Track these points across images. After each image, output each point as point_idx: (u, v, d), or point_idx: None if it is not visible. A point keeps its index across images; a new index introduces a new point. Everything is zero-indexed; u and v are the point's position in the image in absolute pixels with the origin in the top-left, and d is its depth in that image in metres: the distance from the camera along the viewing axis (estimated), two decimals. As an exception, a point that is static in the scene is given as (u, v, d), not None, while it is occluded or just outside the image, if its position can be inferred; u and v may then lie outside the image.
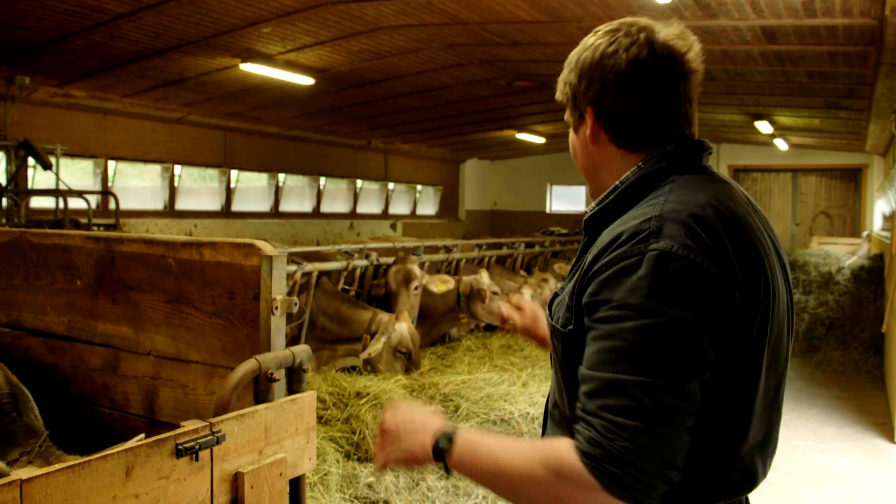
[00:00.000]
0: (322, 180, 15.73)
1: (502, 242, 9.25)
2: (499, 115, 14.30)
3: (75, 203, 8.98)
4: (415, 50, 9.34)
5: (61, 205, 8.57)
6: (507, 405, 4.75)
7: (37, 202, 9.77)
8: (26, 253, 2.62)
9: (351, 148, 16.11)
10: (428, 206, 19.64)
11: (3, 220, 8.22)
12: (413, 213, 18.91)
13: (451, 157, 19.60)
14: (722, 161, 17.73)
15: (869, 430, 6.36)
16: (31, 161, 9.06)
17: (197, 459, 1.62)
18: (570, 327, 1.38)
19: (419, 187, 19.00)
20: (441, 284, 6.28)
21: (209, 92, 10.90)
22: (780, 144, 15.98)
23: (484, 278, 6.83)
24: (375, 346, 5.30)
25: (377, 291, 6.24)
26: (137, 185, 12.26)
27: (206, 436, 1.64)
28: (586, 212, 1.53)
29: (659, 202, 1.34)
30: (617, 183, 1.46)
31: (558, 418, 1.55)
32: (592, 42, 1.48)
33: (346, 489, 3.54)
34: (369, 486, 3.61)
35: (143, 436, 1.83)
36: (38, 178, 9.58)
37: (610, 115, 1.46)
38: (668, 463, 1.21)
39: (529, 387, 5.27)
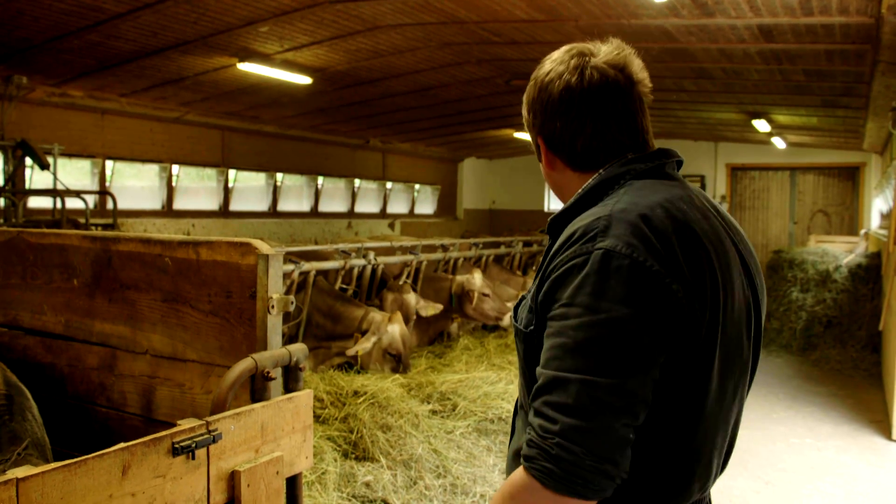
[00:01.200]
0: (320, 179, 15.73)
1: (500, 241, 9.25)
2: (496, 114, 14.30)
3: (73, 203, 8.98)
4: (412, 49, 9.34)
5: (59, 205, 8.57)
6: (505, 403, 4.76)
7: (34, 202, 9.76)
8: (23, 252, 2.62)
9: (349, 147, 16.11)
10: (426, 205, 19.64)
11: (1, 221, 8.22)
12: (411, 213, 18.91)
13: (448, 156, 19.60)
14: (720, 160, 17.74)
15: (866, 427, 6.37)
16: (28, 161, 9.06)
17: (193, 458, 1.62)
18: (532, 328, 1.41)
19: (417, 186, 19.00)
20: (431, 310, 6.35)
21: (207, 91, 10.89)
22: (778, 143, 15.99)
23: (476, 279, 6.82)
24: (364, 345, 5.28)
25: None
26: (135, 185, 12.25)
27: (202, 434, 1.64)
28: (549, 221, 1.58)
29: (611, 203, 1.40)
30: (580, 190, 1.51)
31: (522, 421, 1.57)
32: (536, 75, 1.56)
33: (344, 488, 3.55)
34: (367, 484, 3.61)
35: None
36: (35, 178, 9.58)
37: (555, 141, 1.54)
38: (603, 457, 1.23)
39: (527, 385, 5.27)
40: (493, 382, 5.09)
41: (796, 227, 17.62)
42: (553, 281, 1.33)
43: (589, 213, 1.40)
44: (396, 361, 5.42)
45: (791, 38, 7.68)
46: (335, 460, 3.69)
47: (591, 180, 1.50)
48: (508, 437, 1.74)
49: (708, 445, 1.40)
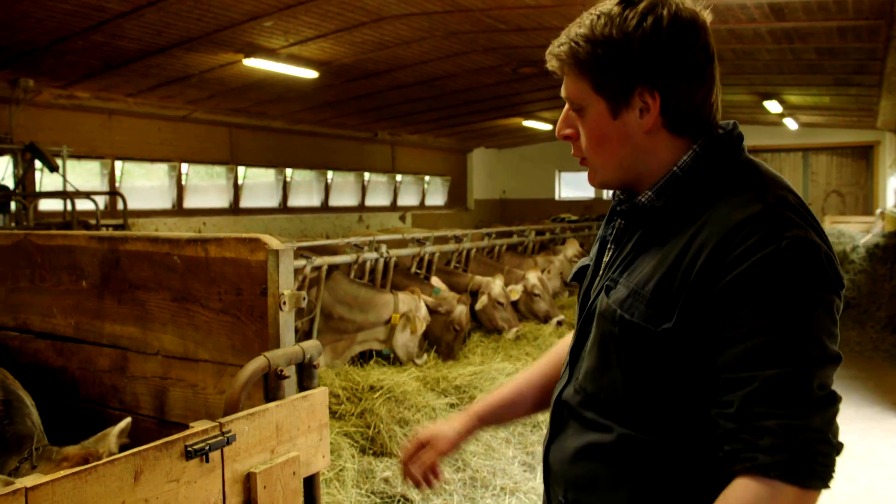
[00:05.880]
0: (329, 174, 15.70)
1: (512, 230, 9.18)
2: (505, 102, 14.20)
3: (83, 205, 8.98)
4: (418, 39, 9.26)
5: (69, 207, 8.56)
6: (522, 395, 4.70)
7: (45, 205, 9.77)
8: (31, 255, 2.59)
9: (357, 140, 16.06)
10: (436, 196, 19.58)
11: (13, 224, 8.23)
12: (422, 205, 18.86)
13: (457, 146, 19.52)
14: (731, 142, 17.57)
15: (889, 409, 6.28)
16: (38, 164, 9.06)
17: (207, 461, 1.58)
18: (668, 325, 1.25)
19: (427, 178, 18.94)
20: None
21: (213, 88, 10.86)
22: (790, 124, 15.81)
23: (495, 287, 6.71)
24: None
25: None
26: (145, 185, 12.26)
27: (216, 436, 1.60)
28: (641, 201, 1.39)
29: (758, 190, 1.30)
30: (675, 170, 1.36)
31: (581, 405, 1.42)
32: (657, 16, 1.31)
33: (363, 484, 3.51)
34: (385, 480, 3.57)
35: (129, 419, 1.80)
36: (45, 180, 9.59)
37: (671, 100, 1.33)
38: (836, 436, 1.18)
39: (544, 375, 5.21)
40: (509, 374, 5.03)
41: (810, 208, 17.44)
42: (742, 276, 1.19)
43: (738, 201, 1.27)
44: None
45: (802, 16, 7.55)
46: (353, 456, 3.65)
47: (685, 159, 1.36)
48: (547, 434, 1.54)
49: None
